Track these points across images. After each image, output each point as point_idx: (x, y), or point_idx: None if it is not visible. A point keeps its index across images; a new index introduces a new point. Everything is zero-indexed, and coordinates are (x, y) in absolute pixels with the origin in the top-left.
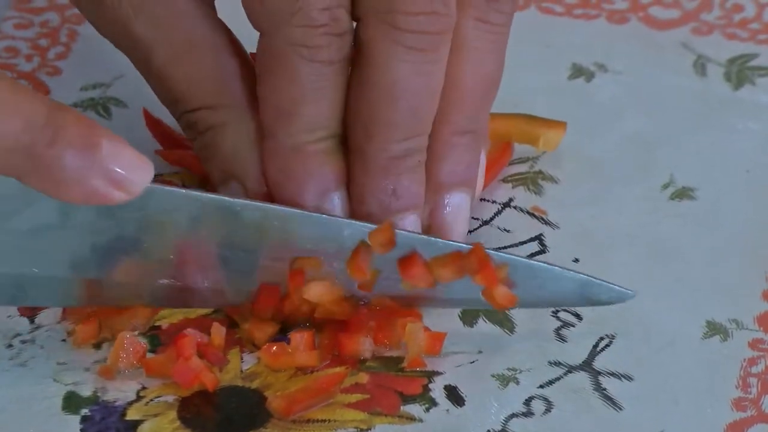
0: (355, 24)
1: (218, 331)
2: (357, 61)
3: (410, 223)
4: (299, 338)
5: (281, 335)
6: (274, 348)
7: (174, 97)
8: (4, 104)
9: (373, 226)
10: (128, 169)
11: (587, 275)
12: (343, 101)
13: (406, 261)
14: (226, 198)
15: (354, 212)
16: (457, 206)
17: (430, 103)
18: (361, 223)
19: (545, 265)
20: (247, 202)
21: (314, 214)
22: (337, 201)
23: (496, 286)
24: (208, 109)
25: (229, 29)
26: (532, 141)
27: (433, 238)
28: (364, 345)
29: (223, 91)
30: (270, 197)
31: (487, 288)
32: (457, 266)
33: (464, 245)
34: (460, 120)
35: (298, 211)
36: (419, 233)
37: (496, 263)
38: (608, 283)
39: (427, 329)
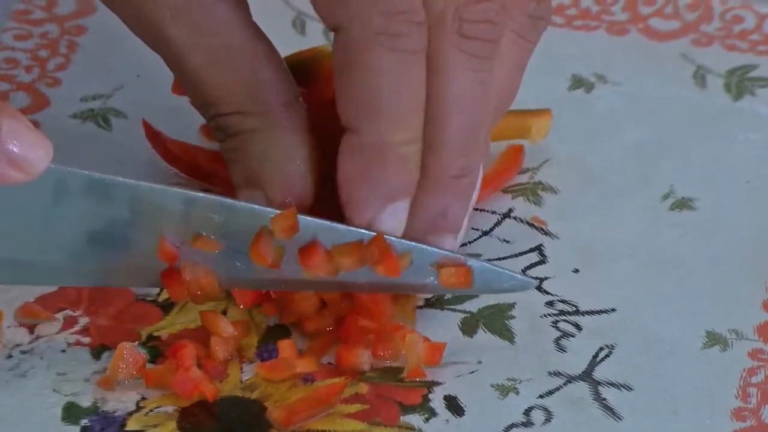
0: None
1: (218, 344)
2: None
3: (449, 243)
4: (287, 346)
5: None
6: (269, 363)
7: (206, 101)
8: None
9: (275, 212)
10: (28, 150)
11: (490, 264)
12: (425, 95)
13: (307, 249)
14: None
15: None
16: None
17: (488, 116)
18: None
19: (450, 253)
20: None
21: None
22: (401, 209)
23: (398, 276)
24: (240, 114)
25: (267, 37)
26: (523, 134)
27: (335, 224)
28: (362, 357)
29: (258, 98)
30: (304, 208)
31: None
32: (359, 255)
33: (367, 233)
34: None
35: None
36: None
37: (398, 252)
38: (510, 271)
39: (426, 340)
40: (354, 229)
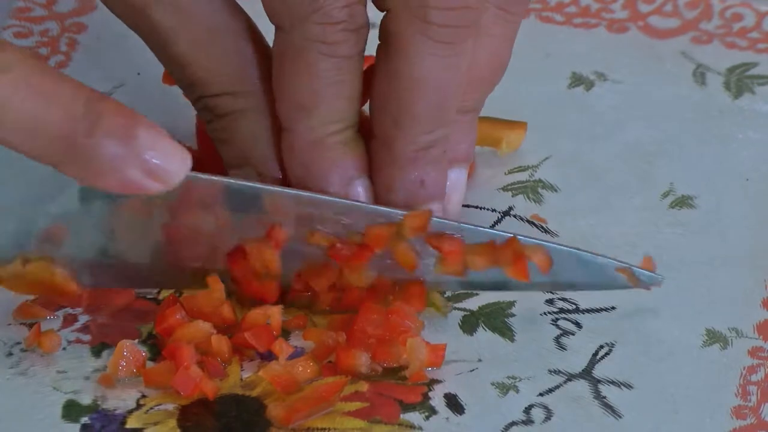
0: (382, 15)
1: (219, 342)
2: (384, 52)
3: (435, 211)
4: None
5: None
6: (274, 368)
7: (192, 82)
8: (46, 95)
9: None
10: (165, 160)
11: (617, 260)
12: (360, 93)
13: (449, 244)
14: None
15: (380, 201)
16: (455, 181)
17: (456, 95)
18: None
19: (578, 251)
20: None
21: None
22: (360, 188)
23: (527, 280)
24: (228, 95)
25: (249, 16)
26: (494, 144)
27: (464, 224)
28: (360, 360)
29: (244, 78)
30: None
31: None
32: (492, 256)
33: (499, 233)
34: (468, 101)
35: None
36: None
37: (529, 250)
38: (637, 267)
39: (427, 342)
40: (484, 230)
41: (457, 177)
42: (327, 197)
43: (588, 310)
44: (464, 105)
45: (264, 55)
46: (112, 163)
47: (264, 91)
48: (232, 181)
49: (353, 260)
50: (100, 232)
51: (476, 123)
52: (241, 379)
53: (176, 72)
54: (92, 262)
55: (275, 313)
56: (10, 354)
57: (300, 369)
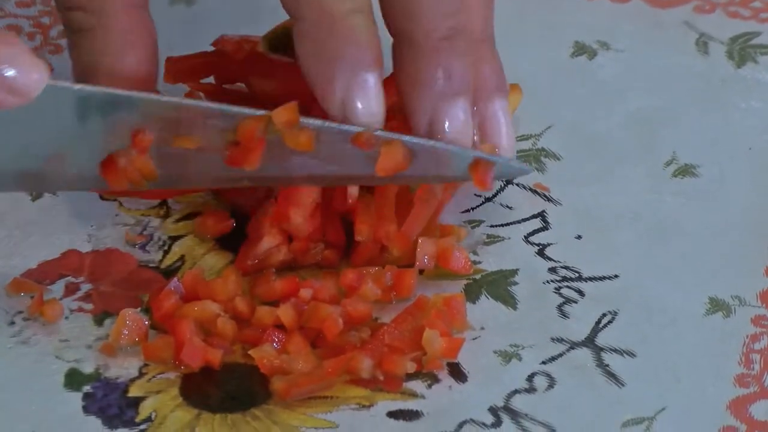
0: None
1: (225, 325)
2: None
3: (464, 110)
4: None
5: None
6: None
7: None
8: None
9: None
10: (22, 74)
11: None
12: None
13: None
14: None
15: (407, 101)
16: (498, 113)
17: None
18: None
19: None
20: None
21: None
22: (371, 81)
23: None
24: (81, 11)
25: None
26: None
27: (336, 125)
28: (363, 364)
29: None
30: None
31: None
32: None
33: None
34: (473, 27)
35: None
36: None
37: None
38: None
39: (446, 334)
40: (348, 127)
41: (497, 108)
42: (191, 102)
43: (591, 278)
44: (475, 35)
45: None
46: None
47: (117, 15)
48: (93, 88)
49: (248, 155)
50: None
51: (496, 52)
52: (244, 348)
53: None
54: None
55: (286, 313)
56: (12, 323)
57: (300, 365)
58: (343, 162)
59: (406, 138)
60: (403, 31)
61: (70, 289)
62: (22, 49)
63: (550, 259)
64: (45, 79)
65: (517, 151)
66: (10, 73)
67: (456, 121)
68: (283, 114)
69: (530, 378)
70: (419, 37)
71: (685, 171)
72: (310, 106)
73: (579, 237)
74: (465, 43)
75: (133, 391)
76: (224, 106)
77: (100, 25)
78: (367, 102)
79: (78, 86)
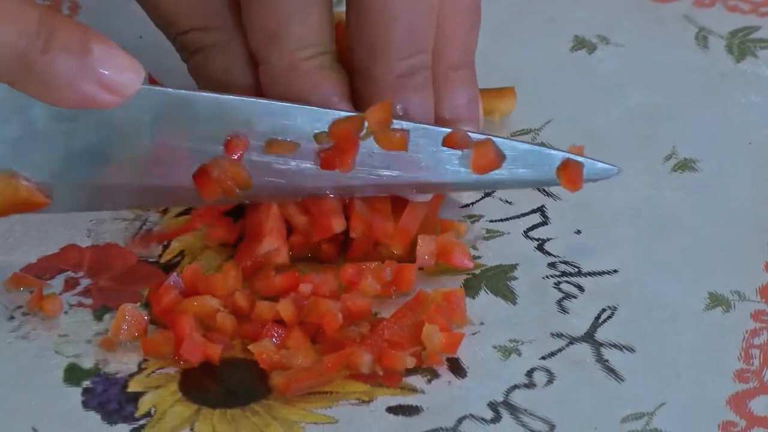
0: None
1: (224, 320)
2: None
3: None
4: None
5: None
6: (273, 355)
7: (166, 21)
8: None
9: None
10: (119, 73)
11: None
12: (332, 20)
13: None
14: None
15: None
16: None
17: (428, 18)
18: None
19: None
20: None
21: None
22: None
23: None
24: (198, 31)
25: None
26: (486, 114)
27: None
28: (362, 359)
29: (212, 12)
30: None
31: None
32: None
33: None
34: (451, 54)
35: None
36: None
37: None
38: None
39: (446, 329)
40: (442, 129)
41: None
42: (284, 104)
43: (590, 273)
44: (452, 61)
45: None
46: (67, 78)
47: (235, 26)
48: (188, 92)
49: (342, 157)
50: (64, 151)
51: (474, 79)
52: (243, 343)
53: (151, 11)
54: (60, 181)
55: (285, 308)
56: (12, 318)
57: (300, 360)
58: (436, 166)
59: (496, 139)
60: (365, 68)
61: (70, 284)
62: (118, 49)
63: (550, 254)
64: (141, 80)
65: None
66: (107, 71)
67: None
68: (377, 113)
69: (530, 373)
70: (378, 74)
71: (685, 166)
72: None
73: (578, 232)
74: (425, 75)
75: (133, 387)
76: (315, 109)
77: (223, 43)
78: None
79: (171, 90)
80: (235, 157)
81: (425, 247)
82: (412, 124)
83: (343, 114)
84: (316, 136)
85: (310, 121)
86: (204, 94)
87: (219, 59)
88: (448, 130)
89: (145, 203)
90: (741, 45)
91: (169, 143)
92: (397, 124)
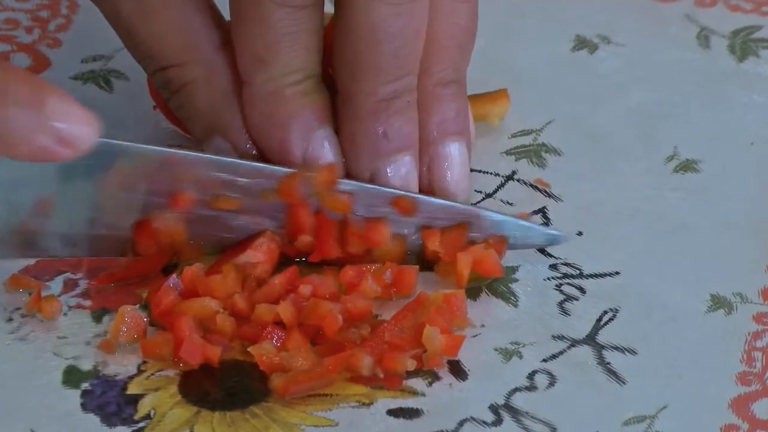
0: None
1: (224, 322)
2: (338, 6)
3: (405, 164)
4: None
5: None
6: (272, 357)
7: (143, 54)
8: None
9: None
10: (75, 126)
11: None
12: (320, 44)
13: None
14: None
15: (347, 158)
16: (453, 156)
17: (413, 43)
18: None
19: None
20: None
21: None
22: (323, 139)
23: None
24: (176, 67)
25: None
26: (482, 119)
27: (368, 186)
28: (363, 361)
29: (190, 47)
30: (255, 149)
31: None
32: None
33: (398, 192)
34: (441, 71)
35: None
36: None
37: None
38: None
39: (447, 331)
40: (389, 190)
41: (451, 152)
42: (232, 160)
43: (592, 275)
44: (441, 77)
45: (214, 22)
46: (23, 132)
47: (214, 59)
48: (138, 145)
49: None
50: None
51: (463, 94)
52: (243, 345)
53: (128, 43)
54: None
55: (285, 309)
56: (11, 320)
57: (300, 362)
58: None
59: (447, 203)
60: (347, 90)
61: (69, 286)
62: (73, 101)
63: (551, 256)
64: (96, 132)
65: (518, 148)
66: (63, 124)
67: (396, 177)
68: (323, 174)
69: (531, 376)
70: (359, 98)
71: (687, 166)
72: None
73: (580, 233)
74: (408, 98)
75: (132, 389)
76: (263, 165)
77: (203, 77)
78: (326, 157)
79: (125, 144)
80: (178, 213)
81: (464, 263)
82: (359, 184)
83: (290, 171)
84: (261, 194)
85: (258, 177)
86: (151, 147)
87: (199, 96)
88: (398, 192)
89: (77, 253)
90: (743, 45)
91: (110, 194)
92: (345, 185)
